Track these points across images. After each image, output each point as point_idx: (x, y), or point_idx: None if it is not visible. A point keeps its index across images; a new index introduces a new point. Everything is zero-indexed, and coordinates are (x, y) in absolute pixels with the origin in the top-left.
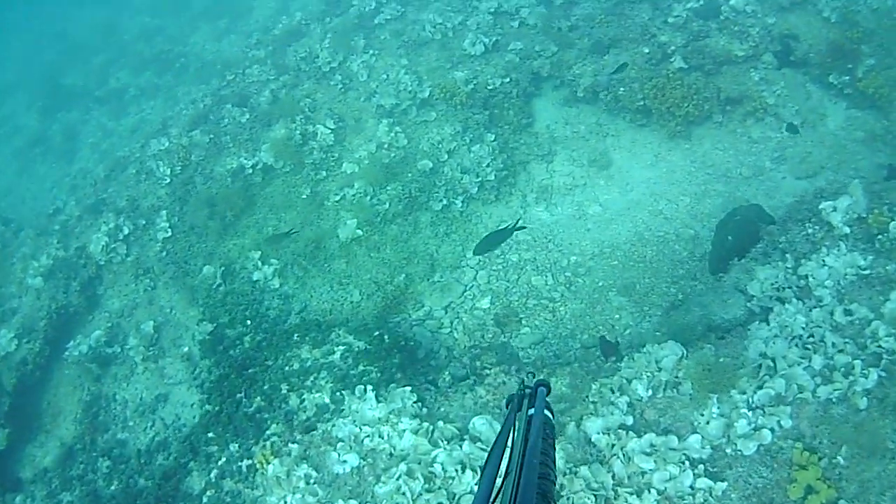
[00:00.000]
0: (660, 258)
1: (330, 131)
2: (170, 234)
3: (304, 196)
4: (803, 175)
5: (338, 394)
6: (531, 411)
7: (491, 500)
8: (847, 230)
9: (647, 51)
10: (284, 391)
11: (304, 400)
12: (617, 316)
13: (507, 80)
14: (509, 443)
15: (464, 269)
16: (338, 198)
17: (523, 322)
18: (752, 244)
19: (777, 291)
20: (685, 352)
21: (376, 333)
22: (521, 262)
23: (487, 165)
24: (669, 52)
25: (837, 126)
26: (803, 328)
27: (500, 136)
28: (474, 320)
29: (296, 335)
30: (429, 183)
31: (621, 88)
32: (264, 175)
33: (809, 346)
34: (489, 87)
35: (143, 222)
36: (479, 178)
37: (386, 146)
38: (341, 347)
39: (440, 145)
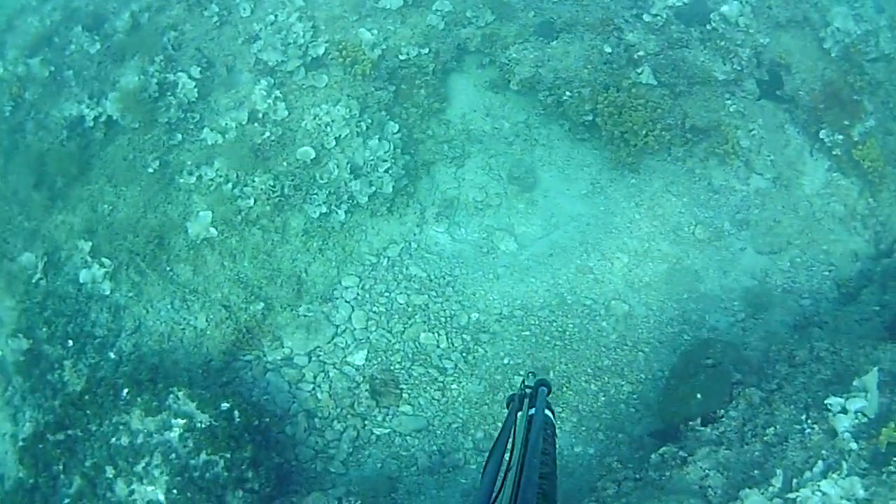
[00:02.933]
0: (582, 337)
1: (194, 84)
2: None
3: (152, 169)
4: (766, 249)
5: (173, 491)
6: (531, 411)
7: (492, 499)
8: (854, 446)
9: (608, 50)
10: (110, 475)
11: (133, 492)
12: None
13: (426, 51)
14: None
15: (337, 303)
16: (192, 178)
17: (405, 396)
18: (719, 403)
19: None
20: None
21: (225, 407)
22: (409, 308)
23: (386, 171)
24: (636, 59)
25: (814, 191)
26: None
27: (405, 122)
28: (344, 381)
29: (125, 391)
30: (307, 179)
31: (567, 93)
32: (107, 131)
33: None
34: (400, 57)
35: None
36: (373, 188)
37: (260, 117)
38: (181, 422)
39: (328, 128)
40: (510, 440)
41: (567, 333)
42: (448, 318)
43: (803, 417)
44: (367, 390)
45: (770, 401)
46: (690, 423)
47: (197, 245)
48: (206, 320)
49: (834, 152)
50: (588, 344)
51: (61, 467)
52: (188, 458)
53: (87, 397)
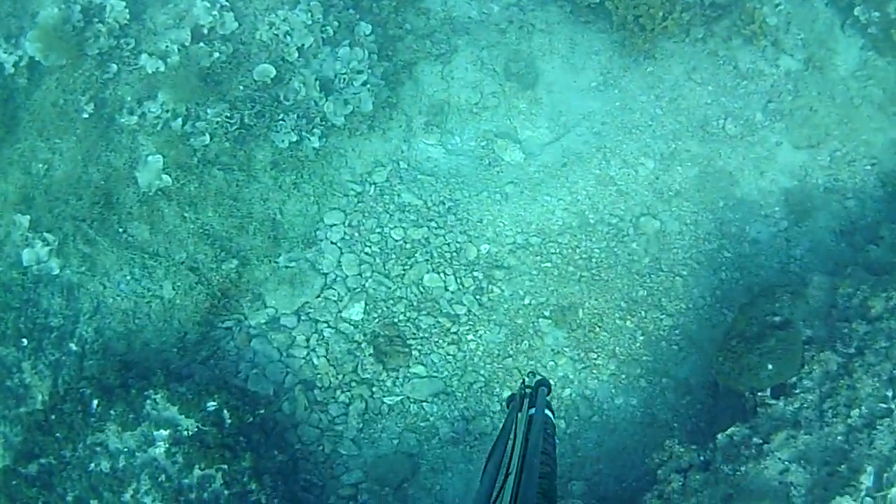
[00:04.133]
0: (611, 264)
1: (124, 4)
2: None
3: (87, 114)
4: (804, 143)
5: None
6: (532, 411)
7: (492, 500)
8: None
9: None
10: None
11: None
12: (552, 362)
13: None
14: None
15: (322, 246)
16: (134, 117)
17: (415, 354)
18: (793, 372)
19: None
20: None
21: (212, 407)
22: (407, 245)
23: (363, 84)
24: None
25: (849, 72)
26: None
27: (377, 19)
28: (342, 341)
29: (95, 402)
30: (270, 103)
31: None
32: (31, 76)
33: None
34: None
35: None
36: (350, 107)
37: (206, 34)
38: (164, 433)
39: (288, 38)
40: (509, 440)
41: (594, 261)
42: (454, 254)
43: (889, 394)
44: (370, 352)
45: (849, 369)
46: (759, 393)
47: (150, 198)
48: (174, 288)
49: (869, 30)
50: (618, 272)
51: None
52: (180, 478)
53: (53, 417)
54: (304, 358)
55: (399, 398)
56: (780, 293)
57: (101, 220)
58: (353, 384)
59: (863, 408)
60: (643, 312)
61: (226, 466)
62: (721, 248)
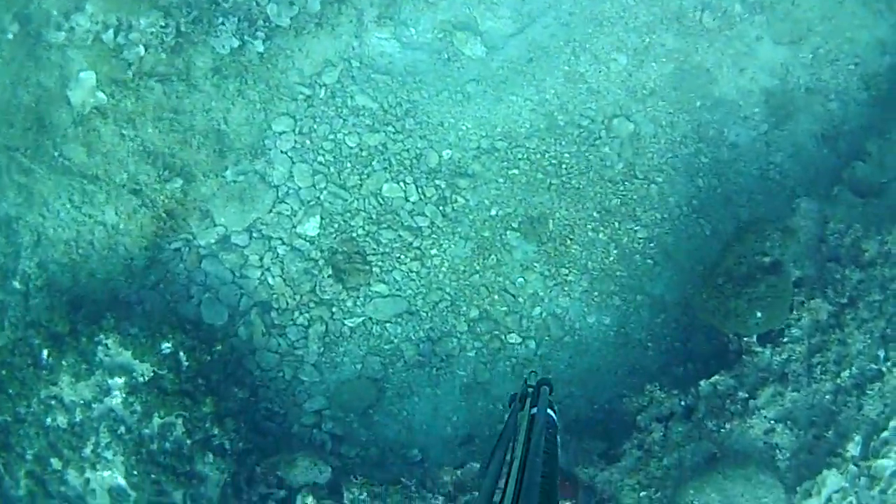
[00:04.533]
0: (582, 170)
1: None
2: None
3: (11, 34)
4: (785, 38)
5: (134, 473)
6: (534, 410)
7: (494, 499)
8: None
9: None
10: (58, 467)
11: (88, 482)
12: (521, 279)
13: None
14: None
15: (271, 156)
16: (62, 32)
17: (375, 272)
18: (782, 319)
19: None
20: None
21: (167, 349)
22: (363, 152)
23: None
24: None
25: None
26: None
27: None
28: (298, 260)
29: (45, 352)
30: (207, 7)
31: None
32: None
33: None
34: None
35: None
36: (296, 8)
37: None
38: (119, 381)
39: None
40: (511, 440)
41: (564, 167)
42: (414, 161)
43: (881, 354)
44: (328, 270)
45: (841, 322)
46: (745, 339)
47: (85, 117)
48: (116, 213)
49: None
50: (590, 178)
51: (1, 468)
52: (140, 429)
53: (3, 372)
54: (258, 278)
55: (361, 319)
56: (771, 230)
57: (34, 146)
58: (312, 305)
59: (853, 367)
60: (616, 224)
61: (186, 413)
62: (698, 153)
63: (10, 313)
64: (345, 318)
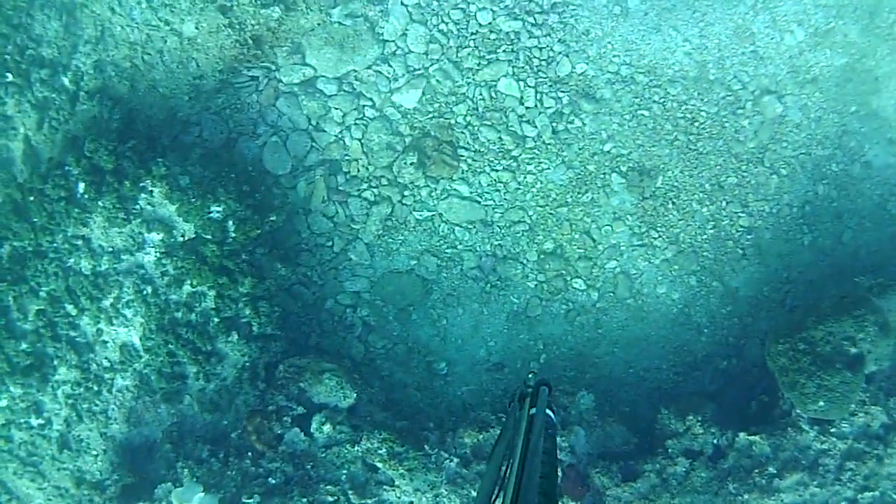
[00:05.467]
0: (713, 135)
1: None
2: None
3: None
4: None
5: (151, 337)
6: (533, 410)
7: (493, 498)
8: None
9: None
10: (71, 311)
11: (101, 333)
12: (608, 227)
13: None
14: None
15: (388, 4)
16: None
17: (462, 168)
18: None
19: None
20: None
21: (217, 214)
22: (492, 35)
23: None
24: None
25: None
26: None
27: None
28: (385, 130)
29: (82, 186)
30: None
31: None
32: None
33: None
34: None
35: None
36: None
37: None
38: (156, 238)
39: None
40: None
41: (696, 125)
42: (543, 63)
43: None
44: (412, 153)
45: (889, 438)
46: (796, 411)
47: None
48: (196, 26)
49: None
50: (717, 147)
51: (11, 299)
52: (168, 294)
53: (31, 199)
54: (335, 136)
55: (431, 214)
56: (870, 321)
57: None
58: (385, 183)
59: (877, 490)
60: (724, 203)
61: (220, 290)
62: (831, 159)
63: (51, 114)
64: (414, 207)
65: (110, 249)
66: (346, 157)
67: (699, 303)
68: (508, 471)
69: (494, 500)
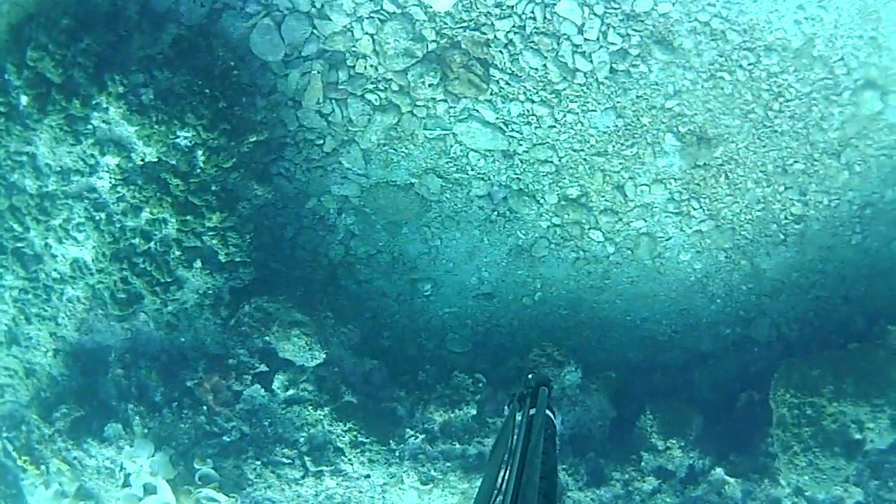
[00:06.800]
0: (794, 115)
1: None
2: None
3: None
4: None
5: (102, 259)
6: (533, 411)
7: (492, 499)
8: None
9: None
10: (16, 227)
11: (49, 248)
12: (645, 187)
13: None
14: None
15: None
16: None
17: (492, 90)
18: None
19: None
20: None
21: (184, 141)
22: None
23: None
24: None
25: None
26: None
27: None
28: (405, 31)
29: (24, 99)
30: None
31: None
32: None
33: None
34: None
35: None
36: None
37: None
38: (111, 162)
39: None
40: (510, 441)
41: (780, 101)
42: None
43: None
44: (434, 63)
45: None
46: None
47: None
48: None
49: None
50: (796, 129)
51: None
52: (124, 221)
53: None
54: (343, 26)
55: (444, 133)
56: (885, 412)
57: None
58: (394, 89)
59: None
60: (782, 188)
61: (185, 217)
62: None
63: None
64: (426, 123)
65: (58, 169)
66: (353, 51)
67: (720, 276)
68: (508, 471)
69: (494, 500)
